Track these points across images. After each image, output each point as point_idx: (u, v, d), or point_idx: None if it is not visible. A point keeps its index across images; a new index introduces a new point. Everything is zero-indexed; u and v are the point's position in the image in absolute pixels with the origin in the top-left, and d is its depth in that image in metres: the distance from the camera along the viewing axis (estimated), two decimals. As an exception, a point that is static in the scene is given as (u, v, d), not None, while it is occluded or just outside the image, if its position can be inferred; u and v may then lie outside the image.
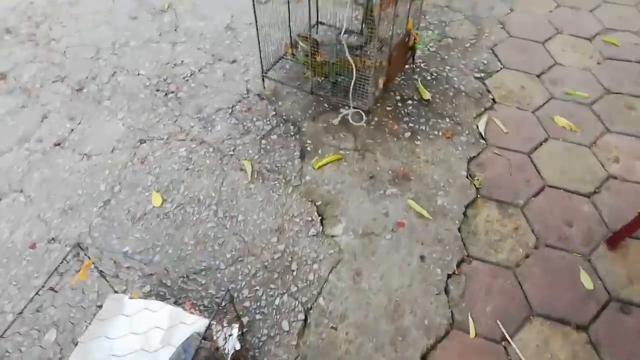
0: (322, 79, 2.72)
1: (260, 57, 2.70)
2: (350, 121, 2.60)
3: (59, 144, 2.59)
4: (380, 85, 2.59)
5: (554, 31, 3.29)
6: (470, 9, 3.49)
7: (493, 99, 2.82)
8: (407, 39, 2.69)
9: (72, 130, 2.67)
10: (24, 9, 3.57)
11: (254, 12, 2.49)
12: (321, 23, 3.20)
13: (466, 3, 3.55)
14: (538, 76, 2.97)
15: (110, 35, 3.29)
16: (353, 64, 2.37)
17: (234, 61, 3.07)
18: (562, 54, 3.12)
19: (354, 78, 2.41)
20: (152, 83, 2.93)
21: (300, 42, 2.69)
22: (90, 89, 2.91)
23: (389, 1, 2.21)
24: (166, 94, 2.86)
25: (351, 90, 2.46)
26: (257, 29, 2.57)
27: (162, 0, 3.58)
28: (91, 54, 3.15)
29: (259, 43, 2.63)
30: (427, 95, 2.80)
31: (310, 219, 2.23)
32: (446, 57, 3.09)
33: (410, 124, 2.66)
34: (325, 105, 2.75)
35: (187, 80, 2.94)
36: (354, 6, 3.28)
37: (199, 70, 3.01)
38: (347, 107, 2.62)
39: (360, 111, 2.60)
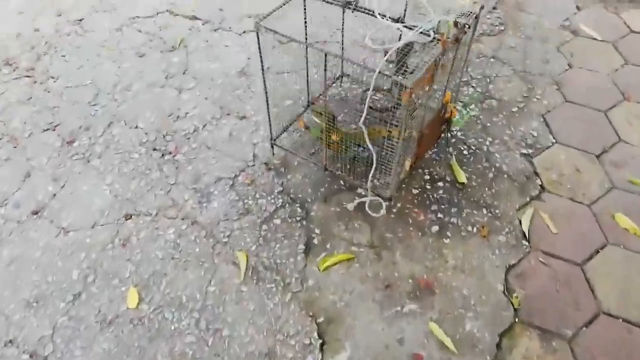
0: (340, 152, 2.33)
1: (270, 122, 2.34)
2: (368, 211, 2.20)
3: (37, 212, 2.30)
4: (407, 168, 2.19)
5: (619, 97, 2.79)
6: (520, 62, 3.03)
7: (541, 185, 2.37)
8: (442, 112, 2.28)
9: (54, 195, 2.37)
10: (29, 37, 3.31)
11: (261, 63, 2.12)
12: (346, 75, 2.81)
13: (516, 54, 3.08)
14: (597, 156, 2.50)
15: (113, 74, 2.98)
16: (374, 152, 1.97)
17: (243, 117, 2.71)
18: (628, 128, 2.63)
19: (374, 166, 2.02)
20: (149, 139, 2.60)
21: (314, 117, 2.31)
22: (82, 142, 2.61)
23: (423, 82, 1.80)
24: (163, 155, 2.53)
25: (370, 177, 2.06)
26: (265, 87, 2.20)
27: (174, 35, 3.25)
28: (89, 98, 2.84)
29: (267, 105, 2.26)
30: (462, 177, 2.37)
31: (308, 341, 1.85)
32: (488, 124, 2.65)
33: (439, 215, 2.25)
34: (341, 182, 2.36)
35: (189, 138, 2.60)
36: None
37: (203, 127, 2.66)
38: (365, 190, 2.22)
39: (380, 199, 2.20)
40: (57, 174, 2.47)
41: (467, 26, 1.91)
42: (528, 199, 2.32)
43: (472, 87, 2.87)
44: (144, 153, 2.54)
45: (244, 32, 3.26)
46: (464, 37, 1.92)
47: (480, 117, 2.69)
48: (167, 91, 2.87)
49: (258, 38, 1.97)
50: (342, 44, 2.60)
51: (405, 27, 1.92)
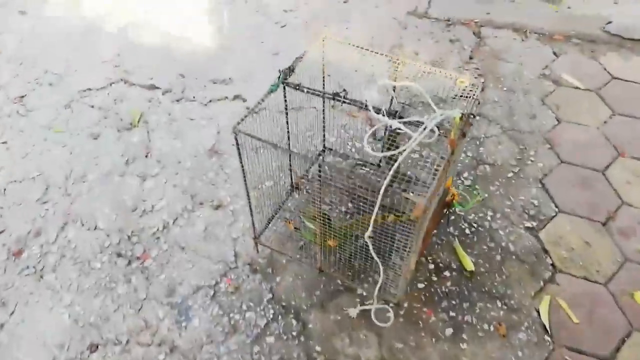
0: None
1: (252, 218, 2.06)
2: (374, 320, 1.95)
3: (-19, 351, 1.93)
4: (412, 267, 1.95)
5: (613, 152, 2.67)
6: (507, 119, 2.87)
7: (553, 265, 2.19)
8: (444, 197, 2.06)
9: (2, 325, 2.01)
10: (-37, 119, 2.92)
11: (242, 170, 1.84)
12: (329, 149, 2.57)
13: (501, 110, 2.93)
14: (604, 224, 2.34)
15: (64, 163, 2.64)
16: (380, 262, 1.73)
17: (218, 206, 2.41)
18: (628, 189, 2.50)
19: (381, 277, 1.77)
20: (112, 243, 2.27)
21: (305, 222, 2.05)
22: (32, 252, 2.25)
23: (434, 193, 1.57)
24: (129, 262, 2.20)
25: (379, 285, 1.81)
26: (245, 181, 1.90)
27: (131, 109, 2.93)
28: (38, 194, 2.49)
29: (248, 199, 1.98)
30: (469, 264, 2.16)
31: None
32: (486, 195, 2.46)
33: (451, 312, 2.02)
34: (338, 282, 2.10)
35: (158, 238, 2.29)
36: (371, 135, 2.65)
37: (174, 222, 2.35)
38: (364, 289, 1.97)
39: (386, 305, 1.95)
40: (4, 296, 2.10)
41: (472, 116, 1.72)
42: (542, 283, 2.13)
43: (462, 151, 2.68)
44: (107, 261, 2.21)
45: (210, 101, 2.98)
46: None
47: (477, 186, 2.50)
48: (128, 180, 2.54)
49: (237, 142, 1.70)
50: (324, 128, 2.36)
51: (406, 122, 1.70)
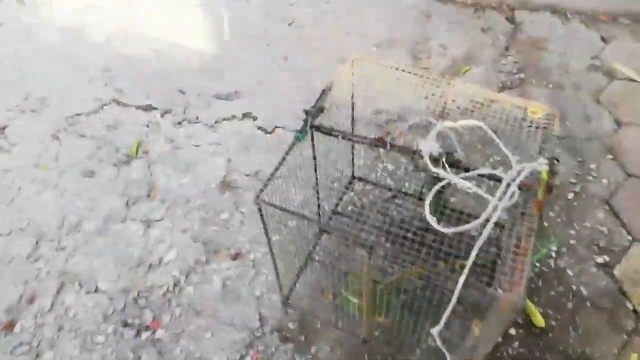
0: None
1: (278, 279, 1.73)
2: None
3: None
4: (477, 334, 1.62)
5: (688, 160, 2.30)
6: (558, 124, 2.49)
7: (634, 311, 1.86)
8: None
9: (-5, 423, 1.71)
10: (-62, 158, 2.57)
11: (269, 243, 1.50)
12: (359, 179, 2.22)
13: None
14: (688, 253, 2.00)
15: (55, 208, 2.30)
16: (446, 352, 1.40)
17: (237, 255, 2.08)
18: None
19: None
20: (116, 309, 1.96)
21: (349, 298, 1.72)
22: (26, 324, 1.94)
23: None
24: (138, 333, 1.89)
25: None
26: (267, 239, 1.57)
27: (127, 137, 2.57)
28: (28, 250, 2.16)
29: (276, 269, 1.66)
30: (539, 320, 1.83)
31: None
32: (545, 223, 2.11)
33: (523, 382, 1.70)
34: (384, 350, 1.78)
35: (169, 299, 1.97)
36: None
37: (186, 278, 2.03)
38: (417, 354, 1.66)
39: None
40: (-5, 385, 1.80)
41: (556, 161, 1.37)
42: (625, 336, 1.80)
43: (511, 168, 2.32)
44: (112, 333, 1.90)
45: (216, 122, 2.62)
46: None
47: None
48: (130, 227, 2.21)
49: (262, 216, 1.35)
50: (353, 155, 2.01)
51: (479, 175, 1.35)
